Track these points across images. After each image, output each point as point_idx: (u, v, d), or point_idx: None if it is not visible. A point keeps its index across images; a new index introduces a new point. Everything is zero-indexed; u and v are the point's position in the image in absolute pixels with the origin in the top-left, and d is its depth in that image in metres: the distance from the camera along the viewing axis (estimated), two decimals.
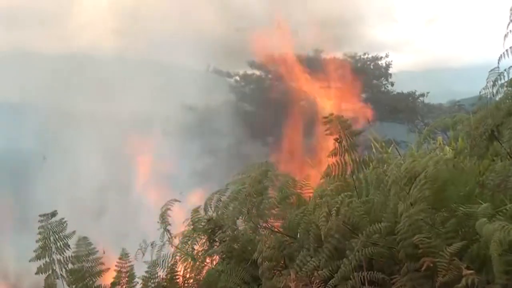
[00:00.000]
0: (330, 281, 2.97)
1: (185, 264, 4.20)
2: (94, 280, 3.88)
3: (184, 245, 4.30)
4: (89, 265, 3.85)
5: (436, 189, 2.97)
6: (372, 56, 36.52)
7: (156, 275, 4.09)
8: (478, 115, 3.90)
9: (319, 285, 3.04)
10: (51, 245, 3.75)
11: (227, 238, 3.95)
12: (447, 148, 5.32)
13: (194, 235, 4.30)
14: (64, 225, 3.82)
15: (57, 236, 3.78)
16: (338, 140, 3.54)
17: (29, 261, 3.74)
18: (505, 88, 3.60)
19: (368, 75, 36.27)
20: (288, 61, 35.00)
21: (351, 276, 2.92)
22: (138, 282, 4.05)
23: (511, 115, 3.38)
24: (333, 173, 3.55)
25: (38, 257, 3.74)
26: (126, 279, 3.98)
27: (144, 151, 29.18)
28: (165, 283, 4.06)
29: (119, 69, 30.38)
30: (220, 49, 32.76)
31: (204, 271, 4.10)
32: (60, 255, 3.77)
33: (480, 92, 3.74)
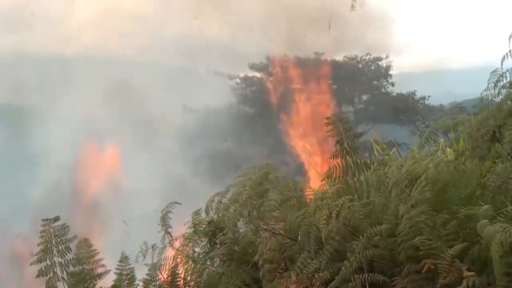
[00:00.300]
0: (331, 283, 2.97)
1: (186, 267, 4.20)
2: (94, 282, 3.88)
3: (185, 248, 4.30)
4: (90, 268, 3.85)
5: (437, 191, 2.97)
6: (374, 57, 36.52)
7: (157, 278, 4.09)
8: (479, 117, 3.90)
9: (320, 287, 3.04)
10: (52, 248, 3.75)
11: (228, 241, 3.95)
12: (448, 150, 5.31)
13: (195, 238, 4.30)
14: (66, 229, 3.83)
15: (59, 240, 3.79)
16: (339, 142, 3.54)
17: (30, 264, 3.74)
18: (506, 89, 3.60)
19: (368, 76, 36.28)
20: (288, 64, 35.05)
21: (352, 278, 2.92)
22: (138, 285, 4.05)
23: None
24: (334, 175, 3.55)
25: (39, 260, 3.74)
26: (127, 281, 3.97)
27: (144, 151, 29.24)
28: (166, 286, 4.06)
29: (119, 70, 30.45)
30: (221, 52, 32.81)
31: (205, 274, 4.10)
32: (62, 258, 3.77)
33: (481, 94, 3.74)
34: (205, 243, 4.28)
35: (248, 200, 3.78)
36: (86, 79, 29.83)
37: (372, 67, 36.76)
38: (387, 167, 3.67)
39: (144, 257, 4.22)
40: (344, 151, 3.54)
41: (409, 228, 2.78)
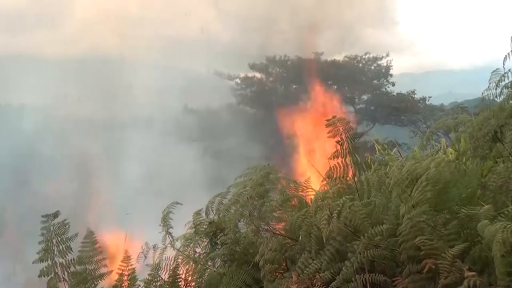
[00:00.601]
0: (332, 284, 2.97)
1: (187, 267, 4.20)
2: (96, 283, 3.87)
3: (186, 248, 4.30)
4: (92, 268, 3.85)
5: (438, 191, 2.97)
6: (373, 56, 36.47)
7: (158, 278, 4.09)
8: (480, 116, 3.90)
9: (320, 287, 3.04)
10: (53, 247, 3.74)
11: (229, 241, 3.95)
12: (449, 150, 5.31)
13: (196, 238, 4.30)
14: (67, 227, 3.80)
15: (59, 239, 3.77)
16: (340, 142, 3.54)
17: (32, 262, 3.74)
18: (508, 89, 3.60)
19: (369, 75, 36.23)
20: (288, 64, 35.03)
21: (353, 279, 2.92)
22: (140, 285, 4.05)
23: None
24: (335, 175, 3.55)
25: (41, 260, 3.73)
26: (128, 282, 3.97)
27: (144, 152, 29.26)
28: (167, 286, 4.06)
29: (120, 72, 30.47)
30: (221, 52, 32.84)
31: (206, 274, 4.10)
32: (63, 258, 3.75)
33: (482, 94, 3.74)
34: (206, 243, 4.28)
35: (249, 200, 3.78)
36: (86, 80, 29.85)
37: (372, 67, 36.72)
38: (388, 167, 3.67)
39: (145, 257, 4.22)
40: (345, 151, 3.54)
41: (410, 228, 2.78)
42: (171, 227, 4.36)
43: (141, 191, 27.49)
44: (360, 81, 36.40)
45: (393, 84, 36.47)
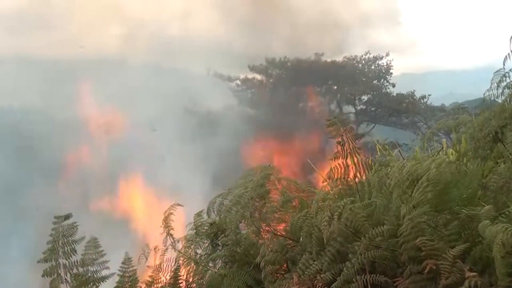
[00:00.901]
0: (333, 285, 2.97)
1: (188, 268, 4.20)
2: (97, 285, 3.88)
3: (187, 249, 4.30)
4: (94, 270, 3.85)
5: (439, 191, 2.97)
6: (373, 56, 36.47)
7: (159, 280, 4.09)
8: (481, 117, 3.90)
9: None
10: (58, 248, 3.75)
11: (230, 242, 3.95)
12: (450, 150, 5.31)
13: (197, 239, 4.30)
14: (75, 229, 3.82)
15: (65, 240, 3.78)
16: (341, 143, 3.55)
17: (38, 262, 3.76)
18: (510, 90, 3.60)
19: (369, 76, 36.21)
20: (288, 65, 35.04)
21: (354, 279, 2.92)
22: (141, 287, 4.05)
23: None
24: (335, 176, 3.55)
25: (45, 260, 3.75)
26: (129, 283, 3.98)
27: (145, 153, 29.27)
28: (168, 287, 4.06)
29: (121, 73, 30.50)
30: (221, 54, 32.88)
31: (207, 275, 4.10)
32: (66, 259, 3.77)
33: (484, 94, 3.74)
34: (207, 244, 4.28)
35: (250, 201, 3.79)
36: (87, 82, 29.88)
37: (373, 67, 36.71)
38: (388, 168, 3.67)
39: (146, 259, 4.23)
40: (346, 152, 3.54)
41: (411, 229, 2.78)
42: (172, 229, 4.36)
43: (142, 193, 27.51)
44: (360, 82, 36.40)
45: (394, 85, 36.46)
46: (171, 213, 4.40)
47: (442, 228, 2.91)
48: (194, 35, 33.81)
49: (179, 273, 4.15)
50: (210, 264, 4.18)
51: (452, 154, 5.03)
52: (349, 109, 36.73)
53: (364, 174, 3.62)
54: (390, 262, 3.01)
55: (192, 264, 4.20)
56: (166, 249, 4.31)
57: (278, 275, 3.50)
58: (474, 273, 2.42)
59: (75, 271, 3.79)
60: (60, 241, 3.75)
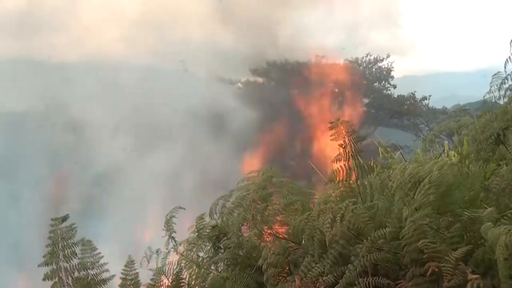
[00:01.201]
0: (335, 287, 2.96)
1: (190, 271, 4.20)
2: None
3: (189, 252, 4.30)
4: (95, 273, 3.85)
5: (441, 193, 2.97)
6: (374, 58, 36.46)
7: (161, 283, 4.09)
8: (483, 119, 3.90)
9: None
10: (58, 252, 3.74)
11: (232, 245, 3.95)
12: (452, 152, 5.31)
13: (199, 242, 4.30)
14: (74, 231, 3.80)
15: (65, 243, 3.77)
16: (343, 146, 3.55)
17: (38, 266, 3.75)
18: (511, 92, 3.61)
19: (370, 78, 36.20)
20: (289, 68, 35.07)
21: (356, 282, 2.91)
22: None
23: None
24: (338, 179, 3.55)
25: (46, 263, 3.74)
26: (131, 286, 3.97)
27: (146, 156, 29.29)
28: None
29: (124, 76, 30.56)
30: (222, 57, 32.91)
31: (209, 278, 4.10)
32: (67, 263, 3.76)
33: (484, 96, 3.74)
34: (209, 247, 4.28)
35: (252, 204, 3.79)
36: (88, 85, 29.94)
37: (373, 69, 36.71)
38: (390, 170, 3.67)
39: (149, 262, 4.22)
40: (348, 155, 3.54)
41: (413, 231, 2.78)
42: (174, 232, 4.36)
43: (144, 195, 27.51)
44: (361, 84, 36.39)
45: (395, 87, 36.44)
46: (173, 216, 4.40)
47: (444, 230, 2.91)
48: (195, 38, 33.88)
49: (181, 276, 4.15)
50: (212, 267, 4.17)
51: (454, 156, 5.03)
52: (350, 111, 36.70)
53: (365, 177, 3.62)
54: (392, 264, 3.01)
55: (194, 267, 4.19)
56: (168, 252, 4.31)
57: (280, 277, 3.49)
58: (477, 276, 2.42)
59: (76, 274, 3.79)
60: (59, 244, 3.73)
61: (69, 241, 3.76)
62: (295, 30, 33.54)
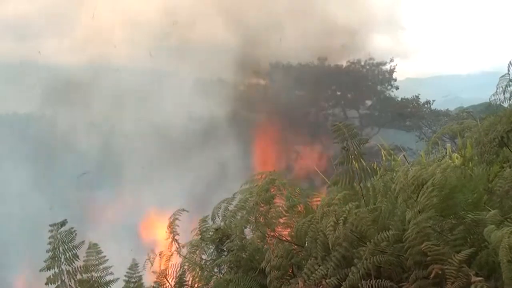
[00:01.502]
0: None
1: (193, 274, 4.20)
2: None
3: (192, 255, 4.31)
4: (98, 275, 3.86)
5: (444, 196, 2.97)
6: (377, 62, 36.45)
7: (165, 285, 4.09)
8: (487, 121, 3.89)
9: None
10: (60, 255, 3.75)
11: (235, 247, 3.95)
12: (455, 155, 5.30)
13: (202, 245, 4.30)
14: (74, 235, 3.82)
15: (66, 247, 3.78)
16: (346, 148, 3.55)
17: (40, 270, 3.75)
18: None
19: (373, 81, 36.17)
20: (291, 70, 35.08)
21: (359, 285, 2.91)
22: None
23: None
24: (340, 181, 3.55)
25: (48, 268, 3.75)
26: None
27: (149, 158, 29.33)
28: None
29: (126, 79, 30.63)
30: (225, 59, 32.95)
31: (212, 281, 4.10)
32: (69, 265, 3.77)
33: (489, 99, 3.74)
34: (212, 250, 4.28)
35: (255, 206, 3.79)
36: (93, 88, 30.03)
37: (376, 72, 36.70)
38: (393, 173, 3.67)
39: (152, 264, 4.23)
40: (350, 157, 3.54)
41: (416, 234, 2.77)
42: (177, 234, 4.37)
43: (145, 198, 27.55)
44: (364, 86, 36.39)
45: (397, 88, 36.42)
46: (176, 219, 4.41)
47: (447, 233, 2.91)
48: (197, 41, 33.95)
49: (184, 279, 4.15)
50: (215, 270, 4.17)
51: (457, 159, 5.02)
52: (353, 113, 36.68)
53: (368, 179, 3.62)
54: (395, 267, 3.00)
55: (197, 270, 4.20)
56: (171, 254, 4.31)
57: (283, 280, 3.49)
58: (480, 278, 2.42)
59: (79, 277, 3.79)
60: (60, 248, 3.75)
61: (70, 244, 3.77)
62: (300, 32, 33.58)
